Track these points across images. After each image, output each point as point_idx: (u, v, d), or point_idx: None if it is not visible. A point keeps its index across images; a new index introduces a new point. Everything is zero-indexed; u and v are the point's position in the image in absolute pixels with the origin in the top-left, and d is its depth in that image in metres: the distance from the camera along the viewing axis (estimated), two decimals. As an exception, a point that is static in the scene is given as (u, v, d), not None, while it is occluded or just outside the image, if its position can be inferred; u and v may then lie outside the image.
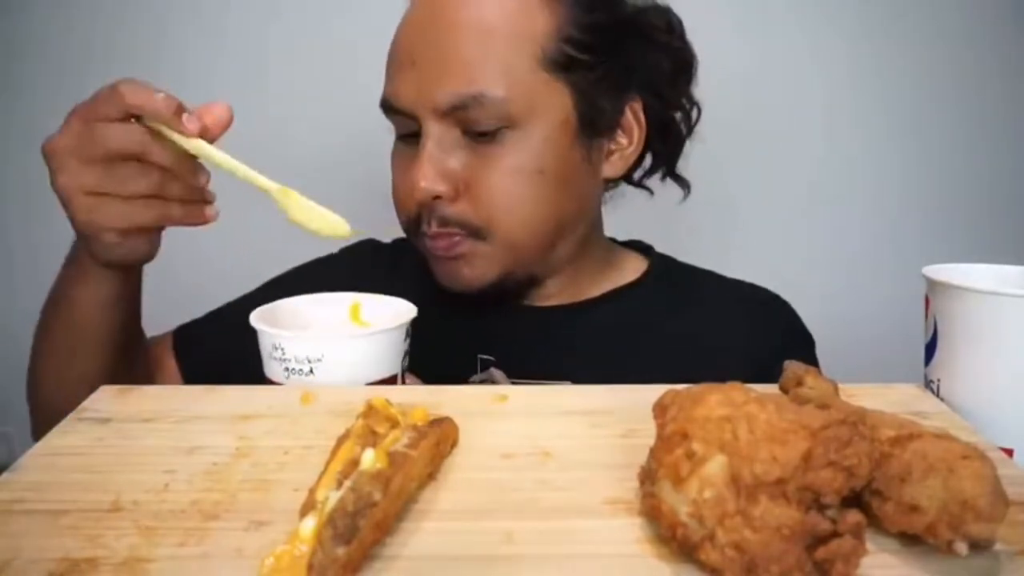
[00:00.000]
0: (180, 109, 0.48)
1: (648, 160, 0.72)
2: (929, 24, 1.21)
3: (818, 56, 1.22)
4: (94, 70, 1.24)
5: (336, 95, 1.19)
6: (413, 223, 0.64)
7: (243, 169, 0.50)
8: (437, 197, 0.61)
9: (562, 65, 0.61)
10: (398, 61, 0.63)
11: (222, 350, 0.62)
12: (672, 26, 0.67)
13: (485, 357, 0.67)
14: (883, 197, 1.28)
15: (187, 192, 0.52)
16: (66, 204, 0.51)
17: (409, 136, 0.63)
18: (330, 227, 0.52)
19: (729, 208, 1.24)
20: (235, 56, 1.24)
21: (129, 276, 0.59)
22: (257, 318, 0.51)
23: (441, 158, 0.60)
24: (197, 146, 0.49)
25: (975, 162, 1.26)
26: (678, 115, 0.70)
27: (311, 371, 0.50)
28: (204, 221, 0.54)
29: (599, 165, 0.66)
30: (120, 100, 0.48)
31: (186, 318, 0.76)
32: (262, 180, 0.51)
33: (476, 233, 0.62)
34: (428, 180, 0.60)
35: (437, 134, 0.60)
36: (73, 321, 0.59)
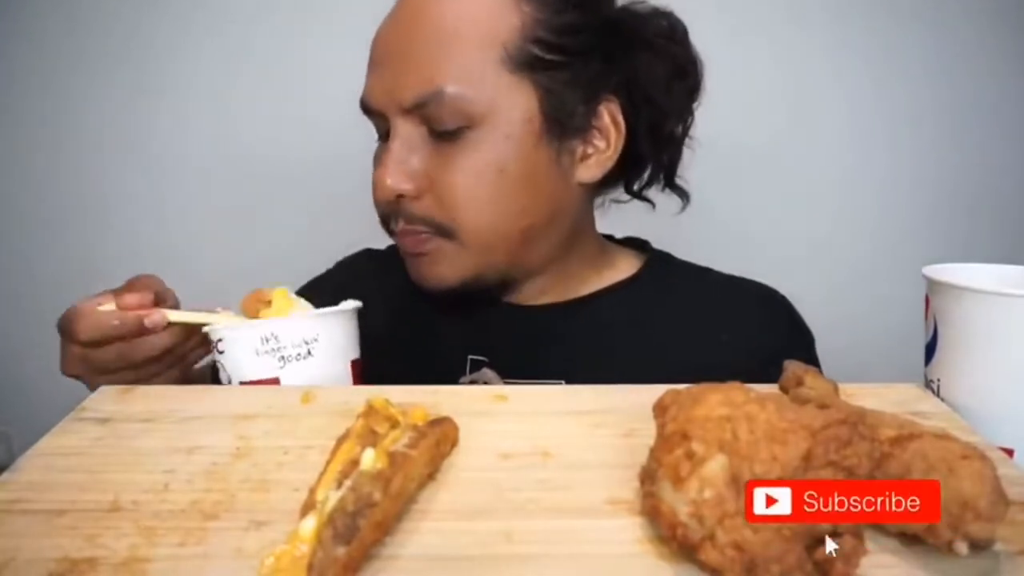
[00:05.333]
0: (139, 322, 0.55)
1: (648, 171, 0.70)
2: (929, 25, 1.21)
3: (818, 58, 1.22)
4: (90, 74, 1.25)
5: (331, 98, 1.19)
6: (384, 222, 0.65)
7: (212, 317, 0.57)
8: (400, 196, 0.61)
9: (528, 65, 0.60)
10: (371, 62, 0.63)
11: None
12: (673, 31, 0.66)
13: (476, 358, 0.67)
14: (883, 197, 1.28)
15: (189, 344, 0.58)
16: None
17: (386, 136, 0.64)
18: None
19: (729, 208, 1.24)
20: (234, 59, 1.24)
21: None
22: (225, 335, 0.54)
23: (405, 157, 0.61)
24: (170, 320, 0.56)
25: (975, 162, 1.26)
26: (676, 123, 0.68)
27: (309, 352, 0.52)
28: (195, 361, 0.61)
29: (572, 168, 0.64)
30: (87, 337, 0.55)
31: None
32: (232, 320, 0.56)
33: (442, 231, 0.62)
34: (392, 179, 0.60)
35: (404, 133, 0.61)
36: None
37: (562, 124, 0.62)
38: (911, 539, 0.31)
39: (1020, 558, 0.31)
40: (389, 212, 0.63)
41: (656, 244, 0.77)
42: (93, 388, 0.52)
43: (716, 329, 0.67)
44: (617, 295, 0.70)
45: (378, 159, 0.65)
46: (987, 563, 0.31)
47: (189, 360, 0.60)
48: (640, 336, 0.67)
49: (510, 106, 0.60)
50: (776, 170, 1.26)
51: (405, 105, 0.60)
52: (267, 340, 0.51)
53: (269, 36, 1.24)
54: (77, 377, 0.57)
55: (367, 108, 0.63)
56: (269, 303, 0.55)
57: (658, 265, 0.73)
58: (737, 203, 1.26)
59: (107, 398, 0.46)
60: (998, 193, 1.26)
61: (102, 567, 0.30)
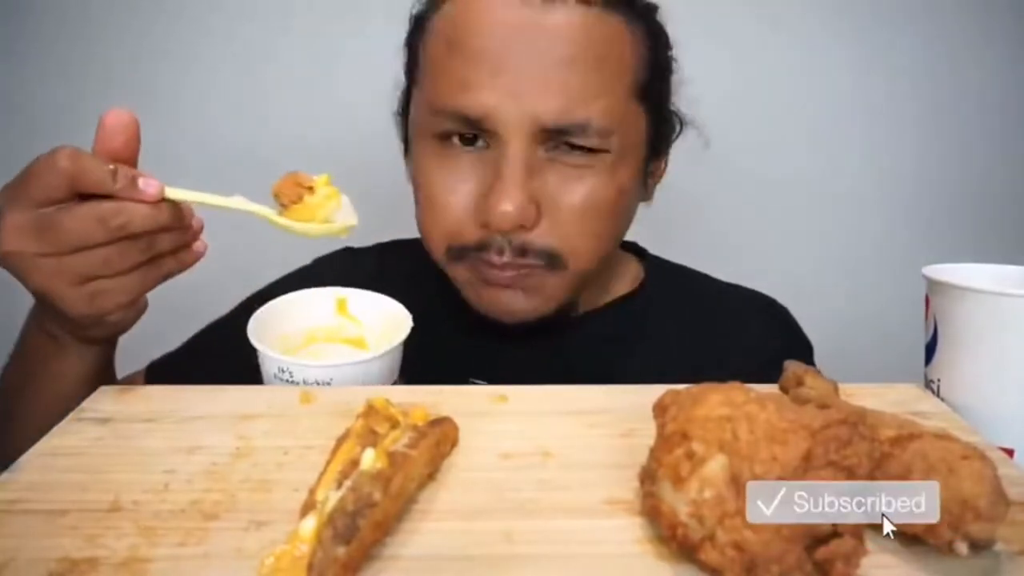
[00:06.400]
0: (133, 180, 0.42)
1: None
2: (928, 24, 1.21)
3: (816, 56, 1.22)
4: (93, 75, 1.24)
5: (326, 97, 1.19)
6: (471, 248, 0.58)
7: (223, 200, 0.46)
8: (521, 226, 0.55)
9: (644, 91, 0.59)
10: (480, 65, 0.55)
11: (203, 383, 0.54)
12: (665, 34, 0.65)
13: (477, 381, 0.63)
14: (883, 197, 1.28)
15: (175, 238, 0.46)
16: (56, 302, 0.45)
17: (464, 139, 0.57)
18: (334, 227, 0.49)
19: (728, 209, 1.24)
20: (226, 58, 1.23)
21: (114, 341, 0.56)
22: (255, 335, 0.51)
23: (527, 181, 0.55)
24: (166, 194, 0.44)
25: (975, 162, 1.26)
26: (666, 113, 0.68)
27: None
28: (197, 259, 0.49)
29: (643, 190, 0.66)
30: (64, 181, 0.42)
31: (157, 331, 0.70)
32: (249, 206, 0.47)
33: (552, 262, 0.58)
34: (517, 206, 0.54)
35: (525, 153, 0.55)
36: (57, 394, 0.52)
37: (656, 151, 0.63)
38: (911, 539, 0.31)
39: (1020, 558, 0.31)
40: (483, 240, 0.57)
41: (649, 246, 0.77)
42: (31, 280, 0.44)
43: (717, 338, 0.67)
44: (622, 308, 0.69)
45: (451, 169, 0.58)
46: (987, 563, 0.31)
47: (164, 267, 0.47)
48: (644, 348, 0.66)
49: (635, 135, 0.60)
50: (774, 170, 1.26)
51: (546, 127, 0.55)
52: (282, 371, 0.49)
53: (283, 39, 1.23)
54: (8, 260, 0.43)
55: (468, 119, 0.56)
56: (311, 189, 0.48)
57: (659, 274, 0.72)
58: (734, 205, 1.25)
59: (107, 398, 0.46)
60: (998, 193, 1.26)
61: (102, 567, 0.30)
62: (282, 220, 0.48)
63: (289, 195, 0.47)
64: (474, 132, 0.57)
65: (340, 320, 0.57)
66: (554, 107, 0.54)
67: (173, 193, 0.44)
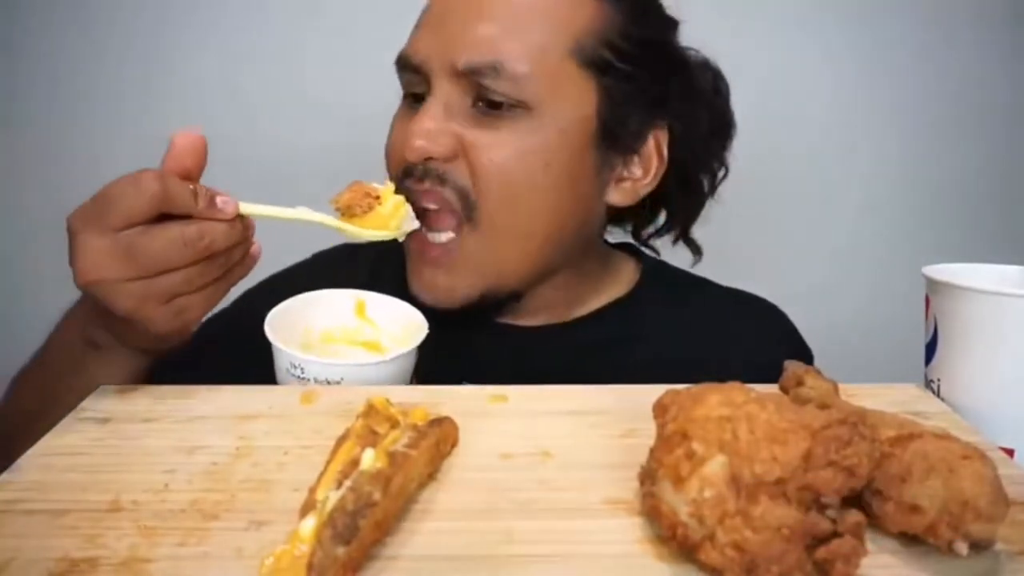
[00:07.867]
0: (212, 199, 0.45)
1: (662, 218, 0.70)
2: (930, 22, 1.21)
3: (816, 54, 1.22)
4: (102, 73, 1.24)
5: (328, 91, 1.19)
6: (400, 180, 0.60)
7: (290, 212, 0.49)
8: (430, 158, 0.58)
9: (596, 65, 0.59)
10: (427, 19, 0.61)
11: (207, 376, 0.51)
12: (718, 85, 0.66)
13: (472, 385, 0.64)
14: (883, 197, 1.28)
15: (244, 248, 0.49)
16: (144, 323, 0.45)
17: (417, 97, 0.61)
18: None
19: (727, 208, 1.24)
20: (223, 53, 1.23)
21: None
22: (271, 329, 0.51)
23: (444, 119, 0.58)
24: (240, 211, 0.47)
25: (975, 162, 1.26)
26: (706, 177, 0.69)
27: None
28: (256, 262, 0.51)
29: (606, 186, 0.63)
30: (152, 203, 0.43)
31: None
32: (313, 216, 0.50)
33: (467, 207, 0.58)
34: (425, 137, 0.57)
35: (446, 95, 0.58)
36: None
37: (614, 136, 0.61)
38: (911, 539, 0.31)
39: (1020, 558, 0.31)
40: (408, 171, 0.59)
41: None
42: (118, 305, 0.44)
43: (713, 343, 0.66)
44: (617, 312, 0.68)
45: (401, 117, 0.62)
46: (987, 563, 0.31)
47: (234, 275, 0.49)
48: (641, 353, 0.65)
49: (570, 100, 0.58)
50: (774, 169, 1.26)
51: (457, 66, 0.57)
52: (295, 367, 0.50)
53: (280, 36, 1.23)
54: (93, 288, 0.44)
55: (406, 63, 0.60)
56: (378, 199, 0.52)
57: (655, 277, 0.72)
58: (735, 203, 1.25)
59: (107, 398, 0.46)
60: (998, 193, 1.26)
61: (102, 567, 0.30)
62: (352, 228, 0.52)
63: (361, 206, 0.52)
64: (421, 85, 0.60)
65: (358, 322, 0.57)
66: (468, 49, 0.57)
67: (245, 208, 0.47)
